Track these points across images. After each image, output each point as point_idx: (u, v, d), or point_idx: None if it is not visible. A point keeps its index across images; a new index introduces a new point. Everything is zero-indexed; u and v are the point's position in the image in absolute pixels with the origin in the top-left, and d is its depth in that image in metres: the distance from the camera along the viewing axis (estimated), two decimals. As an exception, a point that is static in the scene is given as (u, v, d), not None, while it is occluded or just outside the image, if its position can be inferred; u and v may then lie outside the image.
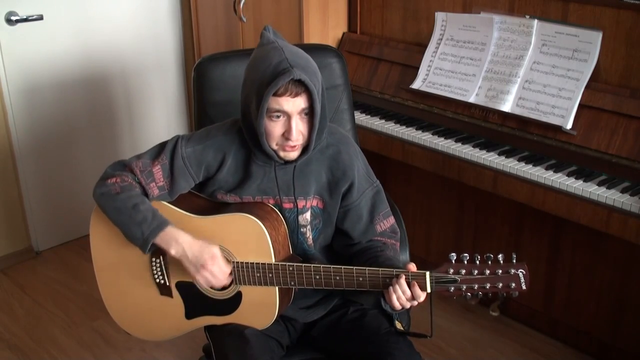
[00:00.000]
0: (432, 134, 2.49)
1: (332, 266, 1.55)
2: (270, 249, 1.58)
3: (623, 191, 2.03)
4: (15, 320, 2.83)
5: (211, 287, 1.63)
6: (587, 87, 2.20)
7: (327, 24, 2.92)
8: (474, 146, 2.37)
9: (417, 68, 2.64)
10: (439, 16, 2.61)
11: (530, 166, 2.21)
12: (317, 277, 1.56)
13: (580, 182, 2.10)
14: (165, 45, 3.54)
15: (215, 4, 3.24)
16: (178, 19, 3.55)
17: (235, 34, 3.16)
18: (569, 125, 2.21)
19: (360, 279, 1.53)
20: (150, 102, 3.56)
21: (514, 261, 1.45)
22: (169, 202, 1.66)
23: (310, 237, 1.69)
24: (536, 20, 2.34)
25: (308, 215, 1.67)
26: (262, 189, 1.65)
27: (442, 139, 2.45)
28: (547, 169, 2.19)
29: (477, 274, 1.45)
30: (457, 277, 1.46)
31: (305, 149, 1.60)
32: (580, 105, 2.20)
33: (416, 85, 2.62)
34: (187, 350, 2.57)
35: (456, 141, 2.42)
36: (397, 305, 1.50)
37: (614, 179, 2.09)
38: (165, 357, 2.60)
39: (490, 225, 2.73)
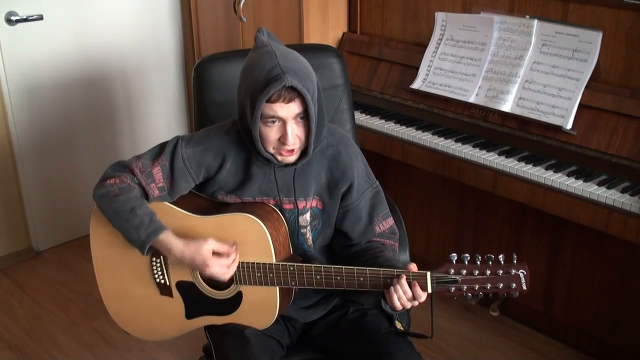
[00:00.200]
0: (432, 134, 2.49)
1: (332, 266, 1.55)
2: (271, 248, 1.58)
3: (623, 191, 2.03)
4: (15, 320, 2.83)
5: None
6: (587, 87, 2.20)
7: (327, 24, 2.92)
8: (474, 146, 2.37)
9: (417, 68, 2.64)
10: (439, 16, 2.61)
11: (530, 166, 2.21)
12: (318, 277, 1.56)
13: (580, 182, 2.10)
14: (165, 45, 3.54)
15: (215, 4, 3.24)
16: (178, 19, 3.55)
17: (235, 34, 3.16)
18: (569, 125, 2.21)
19: (361, 279, 1.53)
20: (150, 102, 3.56)
21: (515, 261, 1.45)
22: (169, 203, 1.66)
23: (310, 237, 1.69)
24: (536, 20, 2.34)
25: (308, 216, 1.67)
26: (263, 190, 1.65)
27: (442, 139, 2.45)
28: (547, 169, 2.19)
29: (478, 274, 1.45)
30: (458, 277, 1.46)
31: (304, 152, 1.60)
32: (580, 105, 2.20)
33: (416, 85, 2.62)
34: (187, 350, 2.57)
35: (456, 141, 2.42)
36: (398, 306, 1.50)
37: (614, 179, 2.09)
38: (165, 357, 2.60)
39: (490, 225, 2.73)
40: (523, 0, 2.39)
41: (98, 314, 2.79)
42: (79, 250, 3.32)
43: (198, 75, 2.04)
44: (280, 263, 1.58)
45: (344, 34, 2.98)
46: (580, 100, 2.20)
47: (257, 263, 1.59)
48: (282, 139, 1.54)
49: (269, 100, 1.48)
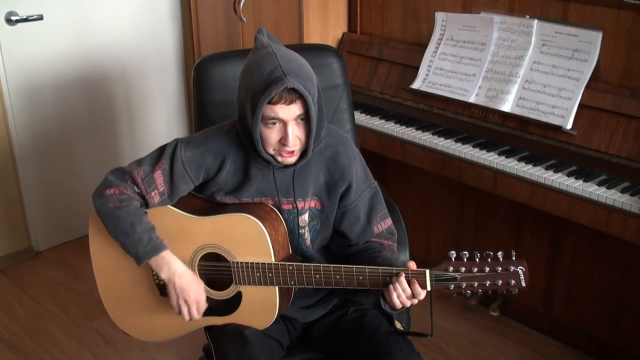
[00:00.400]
0: (432, 134, 2.49)
1: (332, 265, 1.55)
2: (270, 248, 1.58)
3: (623, 191, 2.03)
4: (15, 320, 2.83)
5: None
6: (587, 87, 2.20)
7: (327, 24, 2.92)
8: (474, 146, 2.37)
9: (417, 68, 2.64)
10: (439, 16, 2.61)
11: (530, 166, 2.21)
12: (317, 276, 1.56)
13: (580, 182, 2.10)
14: (165, 45, 3.54)
15: (215, 4, 3.24)
16: (178, 19, 3.55)
17: (235, 34, 3.16)
18: (569, 125, 2.21)
19: (361, 277, 1.53)
20: (150, 102, 3.56)
21: (514, 258, 1.45)
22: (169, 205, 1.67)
23: (309, 238, 1.69)
24: (536, 20, 2.34)
25: (306, 216, 1.67)
26: (261, 191, 1.65)
27: (442, 139, 2.45)
28: (547, 169, 2.19)
29: (477, 272, 1.45)
30: (456, 274, 1.46)
31: (304, 153, 1.60)
32: (580, 105, 2.20)
33: (416, 85, 2.62)
34: (187, 351, 2.57)
35: (456, 141, 2.42)
36: (397, 304, 1.50)
37: (614, 179, 2.09)
38: (165, 358, 2.60)
39: (490, 225, 2.73)
40: (523, 0, 2.39)
41: (98, 314, 2.79)
42: (79, 250, 3.32)
43: (198, 75, 2.04)
44: (279, 263, 1.58)
45: (344, 34, 2.98)
46: (580, 100, 2.20)
47: (256, 263, 1.59)
48: (283, 141, 1.54)
49: (270, 102, 1.48)
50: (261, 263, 1.58)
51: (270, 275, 1.59)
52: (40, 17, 3.02)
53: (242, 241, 1.60)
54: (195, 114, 2.07)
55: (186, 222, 1.63)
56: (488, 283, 1.45)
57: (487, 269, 1.45)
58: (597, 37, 2.19)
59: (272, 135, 1.54)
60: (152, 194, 1.62)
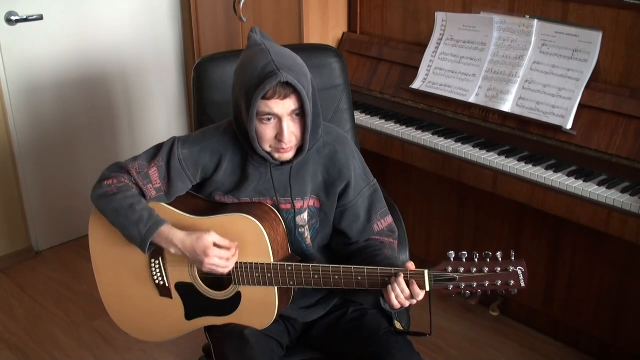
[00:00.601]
0: (432, 134, 2.49)
1: (330, 265, 1.55)
2: (269, 249, 1.58)
3: (623, 191, 2.03)
4: (15, 320, 2.83)
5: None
6: (587, 87, 2.20)
7: (327, 24, 2.92)
8: (474, 146, 2.37)
9: (417, 68, 2.64)
10: (439, 16, 2.61)
11: (530, 166, 2.21)
12: (316, 276, 1.56)
13: (580, 182, 2.10)
14: (165, 45, 3.54)
15: (215, 4, 3.24)
16: (178, 19, 3.55)
17: (235, 34, 3.17)
18: (569, 125, 2.20)
19: (359, 278, 1.53)
20: (150, 102, 3.56)
21: (513, 258, 1.44)
22: (167, 204, 1.66)
23: (309, 237, 1.69)
24: (536, 20, 2.34)
25: (305, 215, 1.67)
26: (259, 191, 1.65)
27: (442, 139, 2.45)
28: (547, 169, 2.19)
29: (476, 272, 1.45)
30: (455, 275, 1.46)
31: (300, 150, 1.59)
32: (580, 105, 2.20)
33: (416, 85, 2.61)
34: (187, 351, 2.57)
35: (456, 141, 2.42)
36: (396, 304, 1.50)
37: (614, 179, 2.09)
38: (165, 357, 2.60)
39: (490, 225, 2.73)
40: (523, 0, 2.39)
41: (98, 314, 2.79)
42: (79, 250, 3.32)
43: (198, 75, 2.04)
44: (278, 263, 1.58)
45: (344, 34, 2.98)
46: (580, 100, 2.20)
47: (255, 263, 1.59)
48: (279, 137, 1.54)
49: (264, 97, 1.48)
50: (260, 263, 1.58)
51: (269, 275, 1.59)
52: (40, 17, 3.02)
53: (241, 241, 1.59)
54: (195, 113, 2.07)
55: (186, 223, 1.63)
56: (487, 283, 1.45)
57: (486, 269, 1.45)
58: (597, 37, 2.19)
59: (268, 131, 1.54)
60: (148, 187, 1.62)
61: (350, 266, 1.54)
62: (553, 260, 2.56)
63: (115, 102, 3.41)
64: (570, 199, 2.08)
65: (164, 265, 1.67)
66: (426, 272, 1.47)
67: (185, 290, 1.68)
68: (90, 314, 2.84)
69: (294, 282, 1.58)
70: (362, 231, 1.70)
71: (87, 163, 3.35)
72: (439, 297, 2.52)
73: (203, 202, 1.69)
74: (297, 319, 1.75)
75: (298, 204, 1.65)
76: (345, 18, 2.98)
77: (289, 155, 1.59)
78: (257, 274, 1.59)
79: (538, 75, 2.32)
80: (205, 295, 1.66)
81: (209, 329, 1.72)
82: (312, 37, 2.86)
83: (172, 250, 1.59)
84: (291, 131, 1.54)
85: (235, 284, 1.63)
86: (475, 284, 1.46)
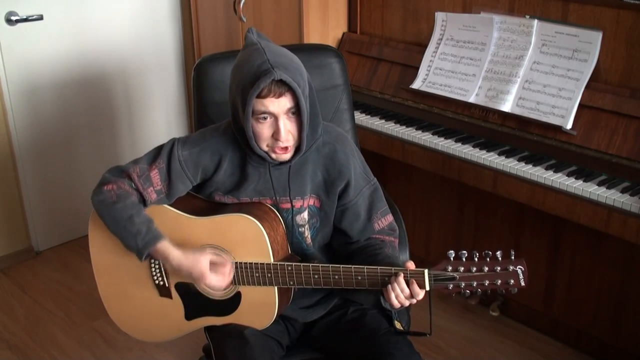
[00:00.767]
0: (432, 134, 2.49)
1: (330, 265, 1.55)
2: (268, 249, 1.58)
3: (623, 191, 2.03)
4: (15, 320, 2.83)
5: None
6: (587, 87, 2.20)
7: (327, 24, 2.92)
8: (474, 146, 2.37)
9: (417, 68, 2.64)
10: (439, 16, 2.61)
11: (530, 166, 2.21)
12: (316, 276, 1.56)
13: (580, 182, 2.10)
14: (165, 45, 3.54)
15: (215, 4, 3.24)
16: (178, 19, 3.55)
17: (235, 34, 3.17)
18: (569, 125, 2.20)
19: (359, 277, 1.53)
20: (150, 102, 3.56)
21: (513, 258, 1.45)
22: (167, 204, 1.66)
23: (309, 236, 1.69)
24: (536, 20, 2.34)
25: (305, 214, 1.67)
26: (259, 191, 1.65)
27: (442, 139, 2.45)
28: (547, 169, 2.19)
29: (476, 271, 1.45)
30: (455, 274, 1.46)
31: (298, 149, 1.60)
32: (580, 105, 2.20)
33: (416, 85, 2.61)
34: (187, 351, 2.57)
35: (456, 141, 2.42)
36: (396, 304, 1.50)
37: (614, 179, 2.09)
38: (165, 357, 2.60)
39: (490, 225, 2.73)
40: (523, 0, 2.39)
41: (98, 314, 2.79)
42: (79, 250, 3.32)
43: (198, 75, 2.04)
44: (278, 263, 1.58)
45: (344, 34, 2.98)
46: (580, 100, 2.20)
47: (255, 263, 1.58)
48: (275, 136, 1.54)
49: (259, 96, 1.48)
50: (260, 263, 1.58)
51: (269, 275, 1.59)
52: (40, 17, 3.02)
53: (241, 241, 1.60)
54: (195, 114, 2.07)
55: (185, 223, 1.63)
56: (487, 283, 1.45)
57: (486, 268, 1.45)
58: (597, 37, 2.19)
59: (264, 130, 1.54)
60: (149, 190, 1.62)
61: (350, 266, 1.54)
62: (553, 260, 2.56)
63: (115, 102, 3.41)
64: (570, 199, 2.08)
65: (163, 266, 1.66)
66: (426, 271, 1.47)
67: (185, 290, 1.68)
68: (90, 314, 2.84)
69: (293, 282, 1.58)
70: (363, 230, 1.70)
71: (87, 163, 3.35)
72: (439, 296, 2.52)
73: (203, 202, 1.69)
74: (297, 319, 1.75)
75: (297, 204, 1.65)
76: (345, 18, 2.98)
77: (286, 157, 1.59)
78: (257, 274, 1.59)
79: (538, 75, 2.32)
80: (205, 296, 1.66)
81: (208, 329, 1.72)
82: (312, 37, 2.86)
83: (168, 267, 1.62)
84: (288, 129, 1.54)
85: (235, 284, 1.63)
86: (475, 283, 1.46)
